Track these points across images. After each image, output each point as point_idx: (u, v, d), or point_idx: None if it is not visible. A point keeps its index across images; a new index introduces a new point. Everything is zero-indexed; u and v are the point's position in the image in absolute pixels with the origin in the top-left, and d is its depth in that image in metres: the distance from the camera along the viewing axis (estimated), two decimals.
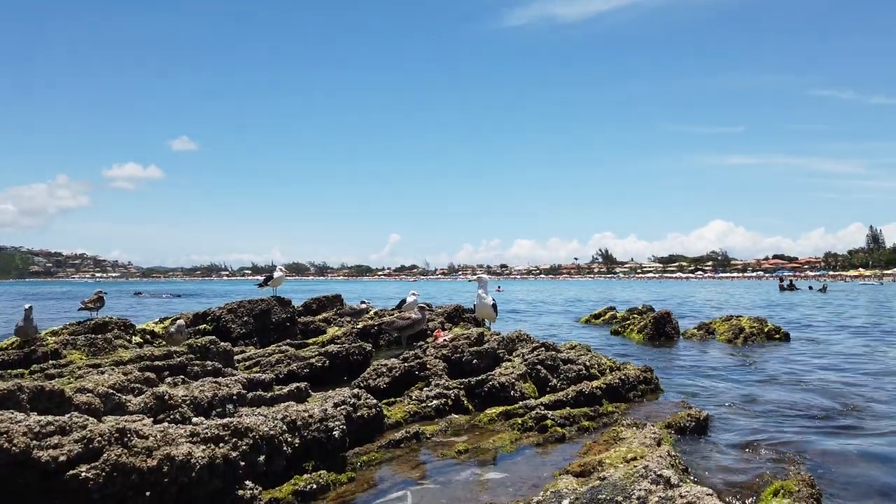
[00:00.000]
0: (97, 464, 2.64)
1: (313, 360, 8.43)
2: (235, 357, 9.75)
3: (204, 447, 2.98)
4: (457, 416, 6.25)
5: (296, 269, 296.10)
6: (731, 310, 24.88)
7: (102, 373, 4.62)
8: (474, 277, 9.67)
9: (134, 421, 3.06)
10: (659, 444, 4.56)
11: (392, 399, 6.73)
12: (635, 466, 3.98)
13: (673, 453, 4.44)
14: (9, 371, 9.16)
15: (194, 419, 3.39)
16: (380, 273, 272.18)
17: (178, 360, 5.59)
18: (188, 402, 3.82)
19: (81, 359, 9.41)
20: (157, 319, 13.87)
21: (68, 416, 2.78)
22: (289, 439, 3.56)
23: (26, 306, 10.17)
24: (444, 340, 7.76)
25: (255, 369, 8.68)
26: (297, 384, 4.97)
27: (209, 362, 5.83)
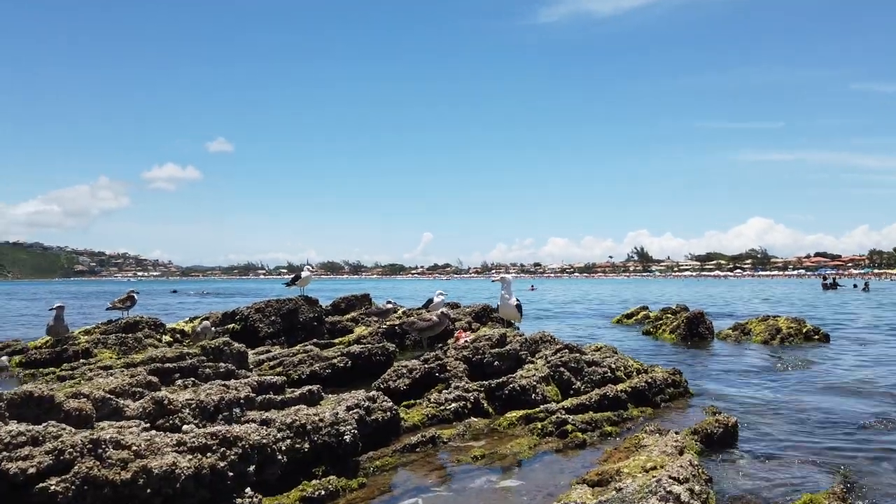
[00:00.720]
0: (68, 476, 2.57)
1: (335, 361, 8.40)
2: (260, 357, 9.80)
3: (190, 457, 2.92)
4: (476, 420, 6.13)
5: (330, 268, 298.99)
6: (771, 309, 24.22)
7: (111, 375, 4.61)
8: (497, 278, 9.52)
9: (122, 429, 3.01)
10: (681, 453, 4.37)
11: (412, 401, 6.63)
12: (652, 478, 3.81)
13: (696, 462, 4.25)
14: (40, 370, 9.37)
15: (185, 427, 3.33)
16: (413, 272, 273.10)
17: (190, 362, 5.58)
18: (193, 406, 3.77)
19: (111, 357, 9.56)
20: (187, 319, 14.04)
21: (44, 425, 2.75)
22: (282, 448, 3.48)
23: (57, 305, 10.37)
24: (466, 342, 7.63)
25: (278, 369, 8.70)
26: (310, 387, 4.91)
27: (222, 364, 5.81)
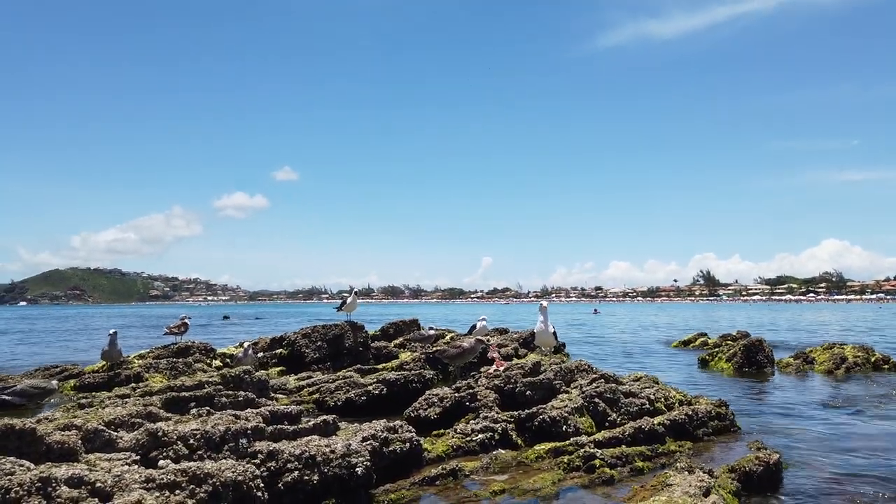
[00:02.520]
0: None
1: (371, 388, 8.38)
2: (301, 383, 9.89)
3: (158, 494, 2.90)
4: (503, 452, 5.96)
5: (391, 293, 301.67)
6: (844, 336, 22.93)
7: (123, 404, 4.70)
8: (545, 304, 9.34)
9: (97, 463, 3.03)
10: (706, 495, 4.11)
11: (441, 431, 6.52)
12: None
13: None
14: (93, 393, 9.71)
15: (160, 462, 3.34)
16: (472, 296, 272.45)
17: (206, 391, 5.65)
18: (198, 436, 3.79)
19: (161, 381, 9.83)
20: (238, 343, 14.34)
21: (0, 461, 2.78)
22: (261, 485, 3.42)
23: (111, 331, 10.77)
24: (496, 370, 7.49)
25: (315, 395, 8.74)
26: (325, 417, 4.87)
27: (241, 393, 5.85)
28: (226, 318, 60.60)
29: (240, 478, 3.26)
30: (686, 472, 4.62)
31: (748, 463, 5.36)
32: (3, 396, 7.14)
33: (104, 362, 11.00)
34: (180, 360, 11.48)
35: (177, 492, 2.95)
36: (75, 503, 2.61)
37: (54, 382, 7.02)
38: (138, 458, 3.31)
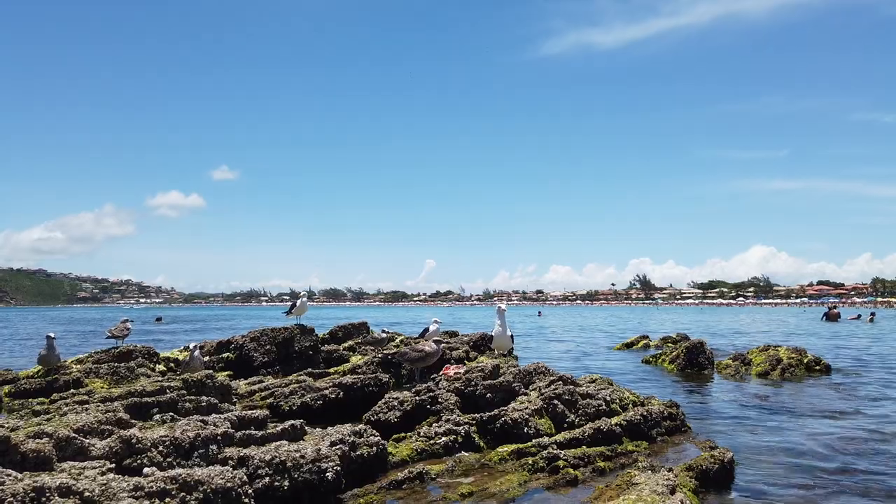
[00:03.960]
0: None
1: (327, 392, 8.25)
2: (252, 387, 9.67)
3: (147, 502, 2.80)
4: (467, 455, 5.98)
5: (333, 295, 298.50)
6: (773, 338, 23.99)
7: (83, 411, 4.49)
8: (503, 307, 9.41)
9: (81, 472, 2.89)
10: (673, 492, 4.24)
11: (402, 434, 6.49)
12: None
13: (687, 502, 4.12)
14: (29, 400, 9.23)
15: (145, 470, 3.22)
16: (415, 299, 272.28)
17: (169, 396, 5.46)
18: (167, 443, 3.66)
19: (103, 387, 9.43)
20: (182, 347, 13.90)
21: None
22: (249, 491, 3.35)
23: (49, 334, 10.26)
24: (457, 372, 7.51)
25: (269, 400, 8.56)
26: (293, 422, 4.78)
27: (204, 398, 5.68)
28: (158, 319, 58.37)
29: (229, 484, 3.15)
30: (649, 471, 4.75)
31: (704, 461, 5.55)
32: None
33: (40, 367, 10.46)
34: (122, 364, 11.02)
35: (166, 500, 2.84)
36: None
37: None
38: (112, 466, 3.17)
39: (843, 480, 5.67)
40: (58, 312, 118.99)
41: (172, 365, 12.23)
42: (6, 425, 3.52)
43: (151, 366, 11.75)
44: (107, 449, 3.41)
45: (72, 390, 9.18)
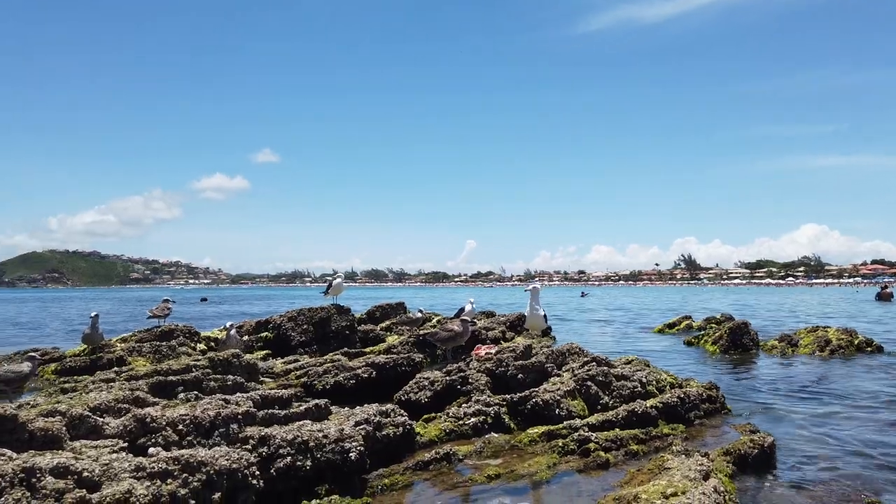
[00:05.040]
0: None
1: (360, 371, 8.26)
2: (288, 366, 9.76)
3: (149, 483, 2.78)
4: (496, 436, 5.89)
5: (374, 276, 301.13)
6: (823, 319, 23.21)
7: (102, 390, 4.54)
8: (530, 287, 9.25)
9: (82, 452, 2.89)
10: (706, 478, 4.07)
11: (433, 414, 6.44)
12: None
13: (722, 489, 3.95)
14: (75, 377, 9.50)
15: (150, 450, 3.21)
16: (456, 279, 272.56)
17: (194, 374, 5.50)
18: (187, 422, 3.66)
19: (145, 365, 9.64)
20: (222, 327, 14.13)
21: None
22: (256, 472, 3.31)
23: (92, 314, 10.53)
24: (488, 353, 7.41)
25: (303, 379, 8.62)
26: (317, 401, 4.76)
27: (230, 377, 5.71)
28: (203, 300, 59.87)
29: (234, 465, 3.13)
30: (683, 456, 4.58)
31: (742, 446, 5.34)
32: None
33: (85, 346, 10.77)
34: (164, 343, 11.28)
35: (168, 481, 2.83)
36: (61, 494, 2.47)
37: (26, 365, 6.76)
38: (126, 444, 3.18)
39: (892, 470, 5.39)
40: (111, 293, 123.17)
41: (213, 344, 12.45)
42: (25, 404, 3.57)
43: (192, 345, 11.99)
44: (121, 428, 3.42)
45: (115, 368, 9.44)
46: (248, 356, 7.38)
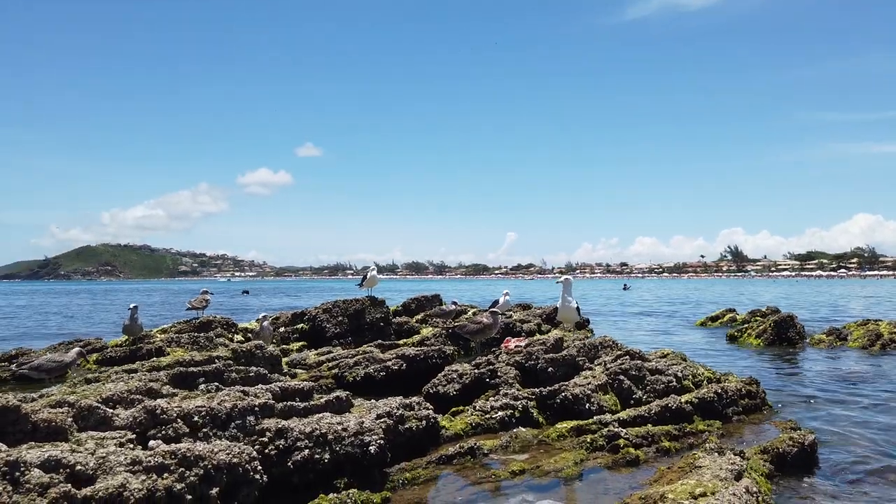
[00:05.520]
0: None
1: (390, 364, 8.23)
2: (320, 358, 9.80)
3: (144, 477, 2.74)
4: (524, 430, 5.77)
5: (415, 268, 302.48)
6: (876, 312, 22.30)
7: (119, 380, 4.58)
8: (561, 279, 9.07)
9: (86, 441, 2.87)
10: (738, 478, 3.88)
11: (460, 408, 6.36)
12: None
13: (755, 489, 3.75)
14: (114, 367, 9.73)
15: (150, 443, 3.17)
16: (496, 272, 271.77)
17: (215, 366, 5.51)
18: (203, 414, 3.64)
19: (183, 355, 9.80)
20: (258, 318, 14.30)
21: None
22: (258, 467, 3.25)
23: (132, 306, 10.76)
24: (518, 345, 7.28)
25: (334, 371, 8.63)
26: (338, 393, 4.71)
27: (253, 368, 5.71)
28: (245, 293, 61.06)
29: (234, 460, 3.09)
30: (716, 454, 4.38)
31: (781, 444, 5.11)
32: (22, 371, 7.13)
33: (126, 336, 11.02)
34: (202, 334, 11.47)
35: (165, 475, 2.78)
36: (45, 489, 2.44)
37: (72, 353, 6.95)
38: (134, 436, 3.17)
39: None
40: (160, 285, 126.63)
41: (249, 335, 12.62)
42: (46, 394, 3.60)
43: (230, 336, 12.16)
44: (130, 419, 3.41)
45: (153, 359, 9.62)
46: (270, 347, 7.40)
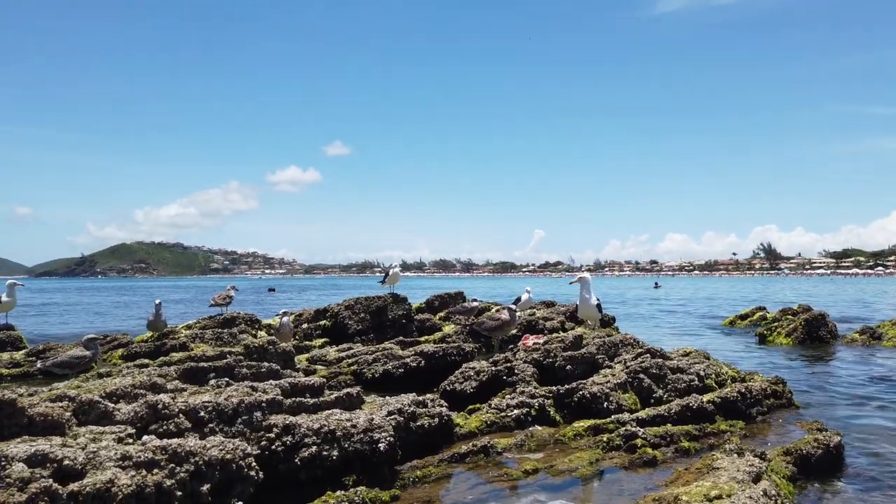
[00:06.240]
0: None
1: (408, 360, 8.20)
2: (340, 354, 9.81)
3: (134, 473, 2.71)
4: (540, 429, 5.68)
5: (442, 266, 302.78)
6: None
7: (127, 375, 4.59)
8: (575, 279, 8.93)
9: (83, 435, 2.85)
10: (756, 480, 3.75)
11: (477, 405, 6.29)
12: None
13: (773, 492, 3.62)
14: (127, 363, 9.84)
15: (144, 437, 3.15)
16: (524, 270, 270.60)
17: (226, 361, 5.51)
18: (210, 409, 3.63)
19: (214, 351, 9.90)
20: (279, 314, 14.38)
21: None
22: (253, 463, 3.20)
23: (156, 302, 10.90)
24: (536, 343, 7.18)
25: (353, 367, 8.63)
26: (349, 390, 4.68)
27: (265, 364, 5.70)
28: (271, 290, 61.64)
29: (227, 455, 3.05)
30: (735, 455, 4.24)
31: (806, 445, 4.94)
32: (47, 367, 7.24)
33: (151, 332, 11.17)
34: (225, 330, 11.56)
35: (155, 471, 2.76)
36: (25, 484, 2.43)
37: (89, 351, 7.01)
38: (134, 431, 3.16)
39: None
40: (192, 282, 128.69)
41: (273, 331, 12.71)
42: (63, 388, 3.61)
43: (253, 332, 12.25)
44: (132, 414, 3.40)
45: (175, 354, 9.72)
46: (284, 344, 7.41)
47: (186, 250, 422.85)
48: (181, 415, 3.51)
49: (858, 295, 41.57)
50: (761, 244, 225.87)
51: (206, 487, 2.87)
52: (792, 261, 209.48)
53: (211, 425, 3.61)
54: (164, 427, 3.42)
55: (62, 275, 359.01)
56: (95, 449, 2.75)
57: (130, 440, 3.03)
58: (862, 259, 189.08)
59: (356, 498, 3.77)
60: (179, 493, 2.74)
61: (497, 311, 12.84)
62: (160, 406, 3.47)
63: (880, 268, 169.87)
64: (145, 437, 3.11)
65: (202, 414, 3.62)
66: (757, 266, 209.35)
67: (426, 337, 12.25)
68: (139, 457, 2.75)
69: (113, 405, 3.45)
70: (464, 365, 7.15)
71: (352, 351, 9.93)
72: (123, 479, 2.62)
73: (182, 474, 2.80)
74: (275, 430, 3.80)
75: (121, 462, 2.70)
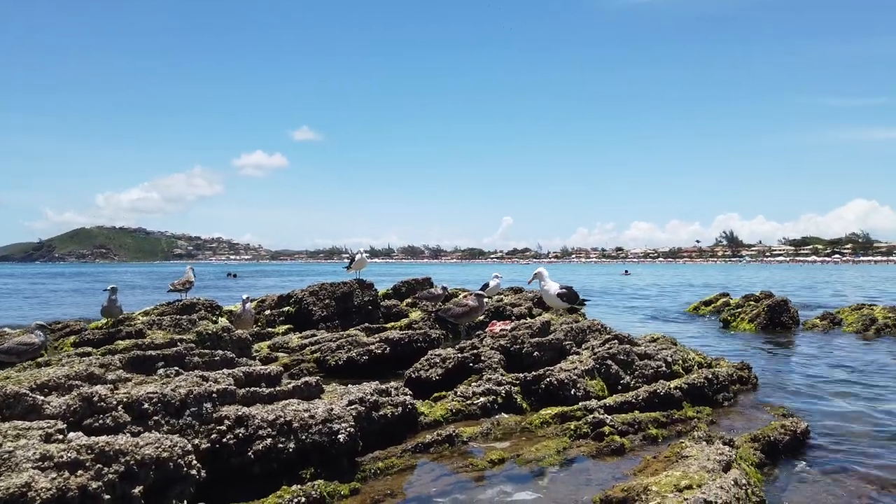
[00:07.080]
0: None
1: (373, 347, 8.01)
2: (304, 341, 9.56)
3: (55, 475, 2.47)
4: (507, 417, 5.55)
5: (410, 252, 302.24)
6: (869, 297, 22.17)
7: (67, 364, 4.30)
8: (531, 277, 8.89)
9: (7, 433, 2.57)
10: (726, 469, 3.66)
11: (442, 393, 6.13)
12: (683, 501, 3.16)
13: (743, 481, 3.54)
14: (70, 350, 9.43)
15: (70, 434, 2.90)
16: (492, 256, 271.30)
17: (175, 349, 5.24)
18: (155, 401, 3.38)
19: (164, 337, 9.55)
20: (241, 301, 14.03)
21: None
22: (193, 461, 2.97)
23: (109, 287, 10.48)
24: (503, 330, 7.05)
25: (316, 355, 8.41)
26: (307, 379, 4.46)
27: (219, 352, 5.44)
28: (234, 276, 60.55)
29: (164, 454, 2.80)
30: (704, 443, 4.16)
31: (773, 431, 4.91)
32: None
33: (106, 319, 10.75)
34: (184, 317, 11.19)
35: (79, 472, 2.50)
36: None
37: (36, 337, 6.63)
38: (65, 427, 2.89)
39: None
40: (153, 268, 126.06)
41: (233, 318, 12.36)
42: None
43: (213, 318, 11.88)
44: (63, 408, 3.13)
45: (121, 342, 9.34)
46: (239, 331, 7.15)
47: (149, 235, 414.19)
48: (120, 407, 3.25)
49: (817, 281, 42.57)
50: (724, 232, 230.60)
51: (138, 489, 2.62)
52: (753, 248, 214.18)
53: (156, 418, 3.36)
54: (101, 422, 3.16)
55: (18, 260, 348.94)
56: (12, 448, 2.49)
57: (61, 436, 2.78)
58: (820, 247, 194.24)
59: (313, 492, 3.57)
60: (108, 497, 2.48)
61: (464, 297, 12.68)
62: (96, 398, 3.20)
63: (837, 255, 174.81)
64: (71, 434, 2.84)
65: (146, 406, 3.36)
66: (719, 253, 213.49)
67: (392, 323, 12.05)
68: (62, 457, 2.49)
69: (43, 398, 3.18)
70: (430, 352, 6.98)
71: (315, 338, 9.69)
72: (42, 482, 2.35)
73: (111, 475, 2.54)
74: (226, 422, 3.57)
75: (40, 463, 2.43)
